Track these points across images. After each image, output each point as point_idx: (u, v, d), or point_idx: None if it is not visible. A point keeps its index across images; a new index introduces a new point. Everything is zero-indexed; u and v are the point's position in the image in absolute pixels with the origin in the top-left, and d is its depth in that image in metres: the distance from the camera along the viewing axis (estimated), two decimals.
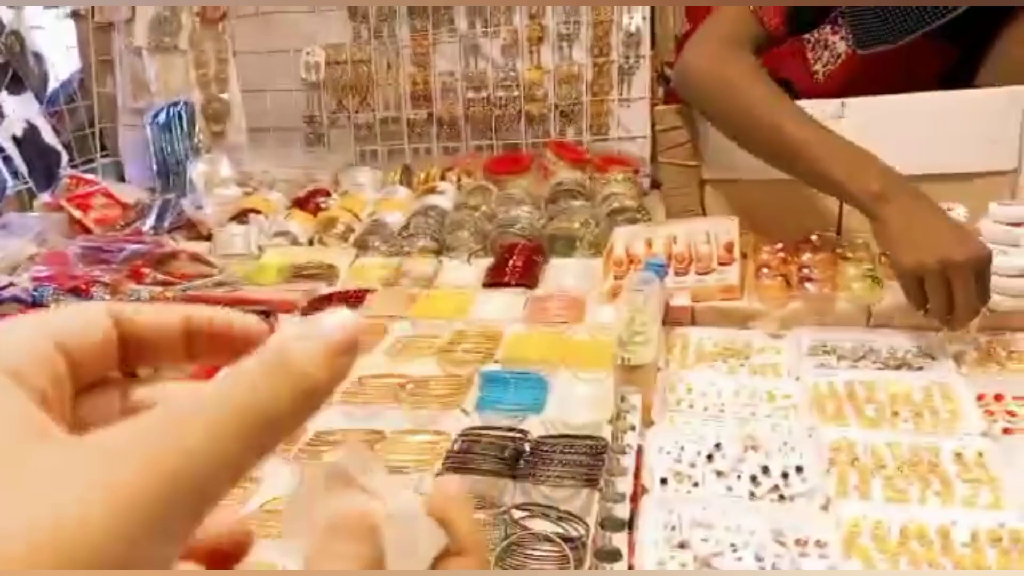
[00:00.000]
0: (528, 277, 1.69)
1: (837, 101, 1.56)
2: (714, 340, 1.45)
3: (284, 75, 2.41)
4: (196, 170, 2.24)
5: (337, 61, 2.35)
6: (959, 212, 1.44)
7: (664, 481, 1.10)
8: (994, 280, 1.35)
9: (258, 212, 2.09)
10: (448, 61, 2.29)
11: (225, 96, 2.47)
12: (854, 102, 1.55)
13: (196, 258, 1.88)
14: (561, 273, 1.73)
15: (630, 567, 0.91)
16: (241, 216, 2.07)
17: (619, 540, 0.87)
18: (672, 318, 1.50)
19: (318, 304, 1.66)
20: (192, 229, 2.09)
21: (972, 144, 1.51)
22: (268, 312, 1.63)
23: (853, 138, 1.55)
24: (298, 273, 1.82)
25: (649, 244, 1.62)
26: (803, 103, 1.57)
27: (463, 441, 1.16)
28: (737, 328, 1.47)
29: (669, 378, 1.34)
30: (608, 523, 0.87)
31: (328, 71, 2.36)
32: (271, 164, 2.36)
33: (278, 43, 2.40)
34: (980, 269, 1.22)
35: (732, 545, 0.96)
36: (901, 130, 1.53)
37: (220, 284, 1.80)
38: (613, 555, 0.83)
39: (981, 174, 1.52)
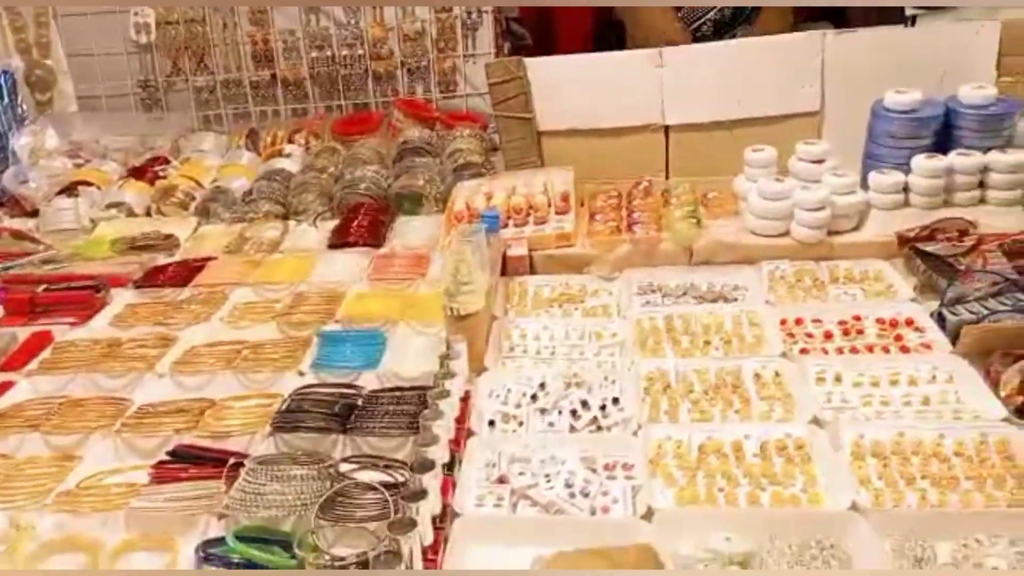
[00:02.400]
0: (374, 236, 1.69)
1: (656, 51, 1.62)
2: (551, 286, 1.50)
3: (112, 37, 2.27)
4: (19, 142, 2.08)
5: (168, 21, 2.23)
6: (770, 152, 1.53)
7: (492, 423, 1.14)
8: (797, 214, 1.46)
9: (90, 184, 1.98)
10: (288, 19, 2.22)
11: (49, 62, 2.30)
12: (671, 51, 1.62)
13: (19, 235, 1.77)
14: (407, 230, 1.74)
15: (445, 506, 0.95)
16: (71, 189, 1.95)
17: (431, 481, 0.90)
18: (512, 268, 1.54)
19: (153, 276, 1.60)
20: (16, 206, 1.95)
21: (780, 88, 1.61)
22: (98, 287, 1.57)
23: (671, 85, 1.63)
24: (133, 245, 1.74)
25: (489, 197, 1.64)
26: (626, 54, 1.64)
27: (292, 400, 1.16)
28: (574, 274, 1.53)
29: (505, 326, 1.38)
30: (417, 466, 0.90)
31: (160, 32, 2.24)
32: (106, 132, 2.23)
33: (103, 2, 2.25)
34: None
35: (546, 475, 1.01)
36: (716, 77, 1.61)
37: (47, 262, 1.71)
38: (418, 495, 0.86)
39: (789, 116, 1.62)
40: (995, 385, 1.09)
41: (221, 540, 0.93)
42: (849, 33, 1.58)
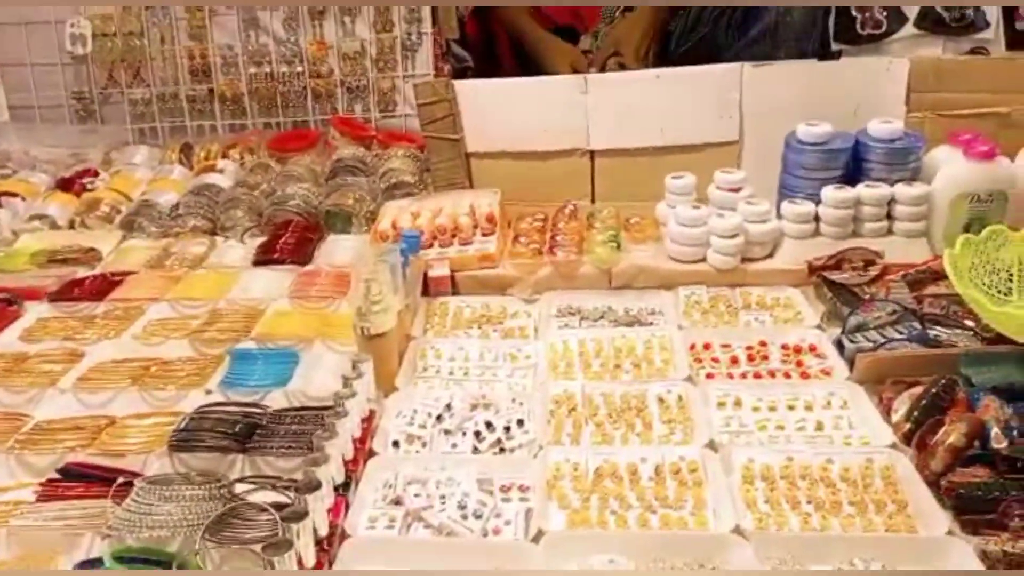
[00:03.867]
0: (300, 254, 1.68)
1: (581, 77, 1.65)
2: (472, 307, 1.51)
3: (47, 48, 2.24)
4: None
5: (105, 33, 2.21)
6: (689, 180, 1.56)
7: (396, 444, 1.14)
8: (713, 240, 1.49)
9: (15, 195, 1.94)
10: (227, 35, 2.21)
11: None
12: (596, 78, 1.65)
13: None
14: (335, 249, 1.73)
15: (335, 528, 0.94)
16: None
17: (317, 502, 0.90)
18: (434, 289, 1.55)
19: (68, 289, 1.57)
20: None
21: (702, 118, 1.64)
22: (11, 300, 1.54)
23: (596, 111, 1.66)
24: (53, 258, 1.71)
25: (416, 217, 1.65)
26: (552, 79, 1.67)
27: (192, 419, 1.14)
28: (497, 295, 1.54)
29: (421, 345, 1.38)
30: (303, 486, 0.89)
31: (96, 43, 2.21)
32: (37, 143, 2.19)
33: (40, 13, 2.22)
34: None
35: (441, 497, 1.01)
36: (640, 105, 1.64)
37: None
38: (298, 516, 0.86)
39: (710, 144, 1.65)
40: (887, 412, 1.13)
41: (101, 560, 0.91)
42: (767, 66, 1.63)
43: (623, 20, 1.93)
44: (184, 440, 1.10)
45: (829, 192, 1.49)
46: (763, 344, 1.31)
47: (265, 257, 1.67)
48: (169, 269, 1.66)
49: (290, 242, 1.70)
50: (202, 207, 1.85)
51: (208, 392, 1.25)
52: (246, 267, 1.66)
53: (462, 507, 0.99)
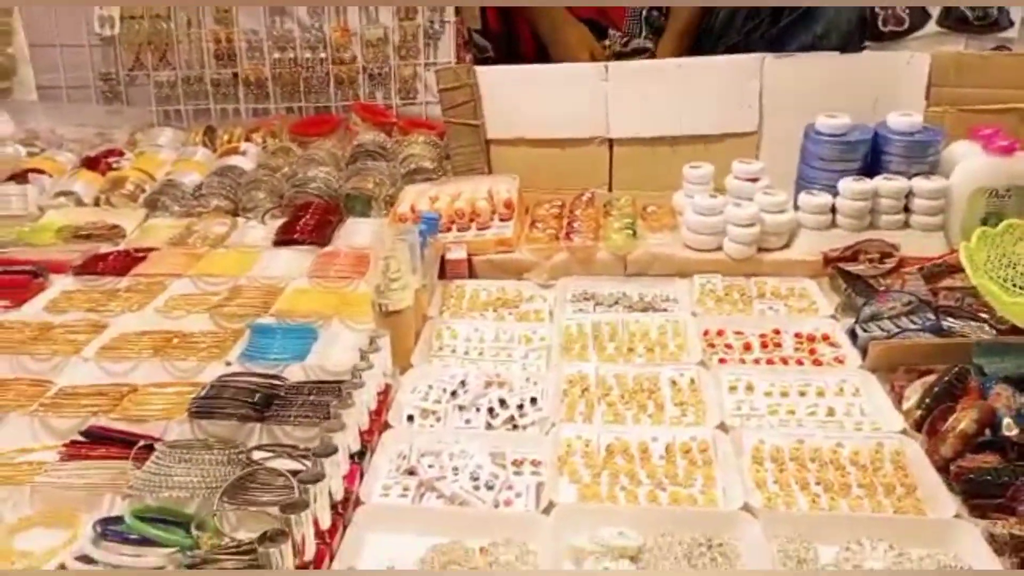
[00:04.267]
0: (319, 235, 1.70)
1: (602, 65, 1.66)
2: (488, 291, 1.52)
3: (76, 29, 2.28)
4: None
5: (132, 16, 2.25)
6: (707, 169, 1.57)
7: (411, 418, 1.16)
8: (729, 229, 1.50)
9: (42, 172, 1.98)
10: (252, 20, 2.24)
11: (11, 50, 2.30)
12: (616, 66, 1.66)
13: None
14: (354, 231, 1.75)
15: (349, 494, 0.96)
16: (21, 176, 1.95)
17: (333, 466, 0.91)
18: (450, 271, 1.56)
19: (93, 263, 1.60)
20: None
21: (721, 108, 1.65)
22: (36, 272, 1.57)
23: (616, 99, 1.67)
24: (78, 233, 1.75)
25: (434, 201, 1.67)
26: (573, 66, 1.68)
27: (212, 388, 1.16)
28: (513, 279, 1.56)
29: (437, 326, 1.40)
30: (320, 449, 0.91)
31: (124, 25, 2.25)
32: (65, 123, 2.23)
33: None
34: None
35: (454, 468, 1.03)
36: (660, 94, 1.65)
37: None
38: (315, 477, 0.87)
39: (729, 135, 1.66)
40: (898, 399, 1.13)
41: (121, 519, 0.94)
42: (788, 57, 1.63)
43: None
44: (204, 407, 1.12)
45: (847, 184, 1.49)
46: (776, 332, 1.32)
47: (285, 237, 1.69)
48: (191, 247, 1.69)
49: (310, 223, 1.72)
50: (225, 188, 1.88)
51: (228, 364, 1.28)
52: (267, 247, 1.69)
53: (474, 478, 1.01)
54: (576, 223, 1.60)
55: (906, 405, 1.11)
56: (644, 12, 1.88)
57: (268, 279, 1.54)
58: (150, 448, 1.06)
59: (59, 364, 1.28)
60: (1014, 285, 1.28)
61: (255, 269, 1.59)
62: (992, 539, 0.87)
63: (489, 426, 1.14)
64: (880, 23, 2.06)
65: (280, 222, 1.76)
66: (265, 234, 1.74)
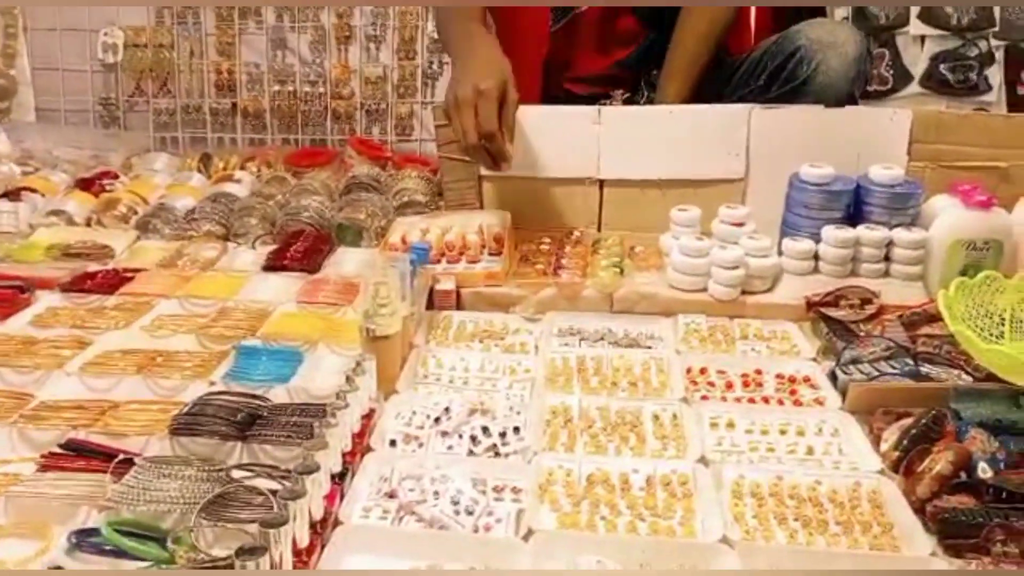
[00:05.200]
0: (309, 263, 1.71)
1: (594, 108, 1.71)
2: (475, 322, 1.54)
3: (80, 55, 2.32)
4: None
5: (136, 44, 2.29)
6: (694, 212, 1.61)
7: (393, 443, 1.16)
8: (714, 271, 1.52)
9: (35, 191, 1.99)
10: (254, 52, 2.29)
11: (13, 72, 2.34)
12: (609, 110, 1.70)
13: None
14: (344, 260, 1.77)
15: (328, 514, 0.95)
16: (14, 194, 1.96)
17: (313, 486, 0.91)
18: (439, 302, 1.58)
19: (80, 281, 1.61)
20: None
21: (709, 154, 1.69)
22: (23, 288, 1.57)
23: (608, 142, 1.71)
24: (68, 252, 1.75)
25: (425, 232, 1.69)
26: (566, 108, 1.73)
27: (195, 405, 1.16)
28: (500, 312, 1.57)
29: (423, 354, 1.40)
30: (301, 467, 0.91)
31: (127, 53, 2.30)
32: (61, 144, 2.25)
33: (75, 21, 2.31)
34: (507, 106, 1.45)
35: (435, 493, 1.03)
36: (650, 138, 1.70)
37: None
38: (295, 494, 0.87)
39: (716, 181, 1.70)
40: (876, 441, 1.14)
41: (96, 531, 0.93)
42: (775, 109, 1.68)
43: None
44: (185, 425, 1.12)
45: (830, 231, 1.53)
46: (758, 372, 1.34)
47: (275, 263, 1.71)
48: (181, 269, 1.70)
49: (300, 250, 1.74)
50: (217, 213, 1.90)
51: (212, 383, 1.27)
52: (256, 271, 1.70)
53: (455, 503, 1.00)
54: (564, 260, 1.63)
55: (884, 447, 1.12)
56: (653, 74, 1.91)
57: (256, 303, 1.55)
58: (129, 462, 1.05)
59: (41, 378, 1.28)
60: (990, 334, 1.31)
61: (243, 293, 1.59)
62: None
63: (471, 453, 1.14)
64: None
65: (271, 248, 1.78)
66: (255, 259, 1.75)
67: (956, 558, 0.91)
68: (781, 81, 1.73)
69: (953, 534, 0.94)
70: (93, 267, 1.70)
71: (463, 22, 1.69)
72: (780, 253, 1.57)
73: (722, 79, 1.83)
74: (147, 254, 1.78)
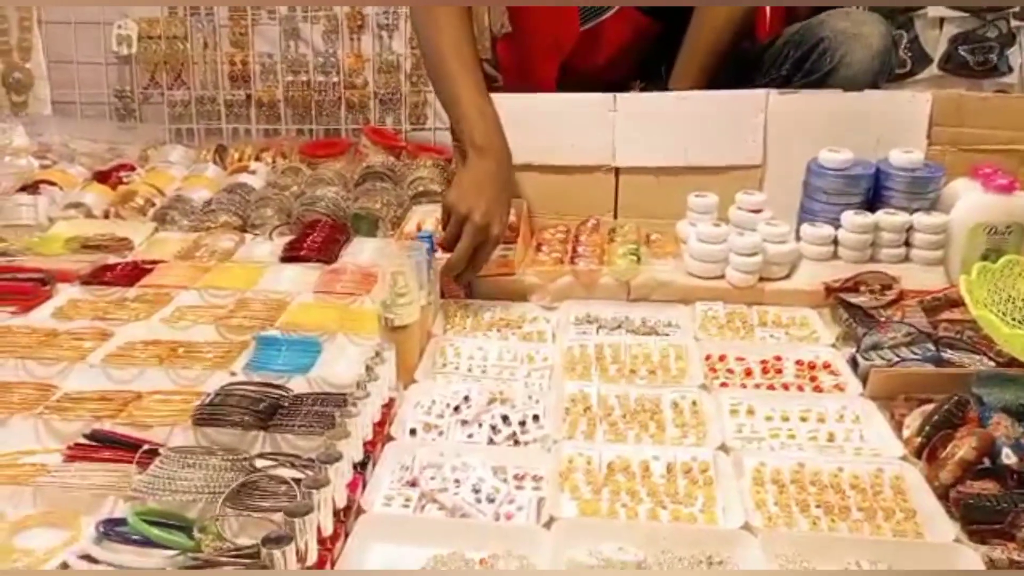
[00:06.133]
0: (326, 253, 1.72)
1: (610, 96, 1.70)
2: (492, 311, 1.54)
3: (94, 47, 2.33)
4: None
5: (151, 36, 2.29)
6: (711, 199, 1.60)
7: (413, 432, 1.17)
8: (732, 258, 1.52)
9: (53, 184, 2.00)
10: (267, 43, 2.28)
11: (29, 66, 2.35)
12: (624, 97, 1.69)
13: None
14: (361, 250, 1.77)
15: (352, 502, 0.96)
16: (33, 187, 1.97)
17: (336, 474, 0.92)
18: (453, 291, 1.58)
19: (100, 273, 1.62)
20: None
21: (726, 140, 1.68)
22: (44, 280, 1.58)
23: (623, 129, 1.70)
24: (87, 244, 1.76)
25: (438, 222, 1.69)
26: (581, 96, 1.71)
27: (217, 395, 1.17)
28: (516, 301, 1.57)
29: (440, 343, 1.41)
30: (323, 456, 0.92)
31: (141, 45, 2.30)
32: (77, 137, 2.27)
33: (89, 14, 2.31)
34: (483, 241, 1.43)
35: (456, 481, 1.03)
36: (666, 125, 1.68)
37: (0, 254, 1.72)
38: (319, 483, 0.88)
39: (734, 167, 1.69)
40: (898, 427, 1.14)
41: (123, 520, 0.94)
42: (792, 94, 1.67)
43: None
44: (208, 415, 1.13)
45: (849, 217, 1.52)
46: (778, 359, 1.33)
47: (292, 254, 1.71)
48: (199, 260, 1.71)
49: (317, 241, 1.74)
50: (234, 204, 1.91)
51: (233, 374, 1.28)
52: (273, 262, 1.71)
53: (476, 491, 1.01)
54: (581, 248, 1.62)
55: (906, 433, 1.12)
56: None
57: (274, 293, 1.55)
58: (154, 453, 1.06)
59: (64, 369, 1.29)
60: (1013, 319, 1.30)
61: (261, 283, 1.60)
62: (991, 563, 0.87)
63: (491, 441, 1.14)
64: None
65: (287, 239, 1.79)
66: (272, 250, 1.76)
67: (980, 544, 0.91)
68: (804, 72, 1.71)
69: (977, 520, 0.94)
70: (112, 259, 1.71)
71: (466, 86, 1.59)
72: (798, 239, 1.56)
73: (743, 68, 1.81)
74: (165, 246, 1.79)
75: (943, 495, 0.99)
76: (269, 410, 1.15)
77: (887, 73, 1.72)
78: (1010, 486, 0.98)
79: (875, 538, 0.94)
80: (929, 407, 1.12)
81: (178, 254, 1.74)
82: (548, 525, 0.96)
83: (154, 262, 1.68)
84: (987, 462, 1.02)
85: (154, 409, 1.19)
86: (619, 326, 1.47)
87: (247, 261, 1.71)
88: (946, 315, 1.38)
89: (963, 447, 1.01)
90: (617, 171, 1.74)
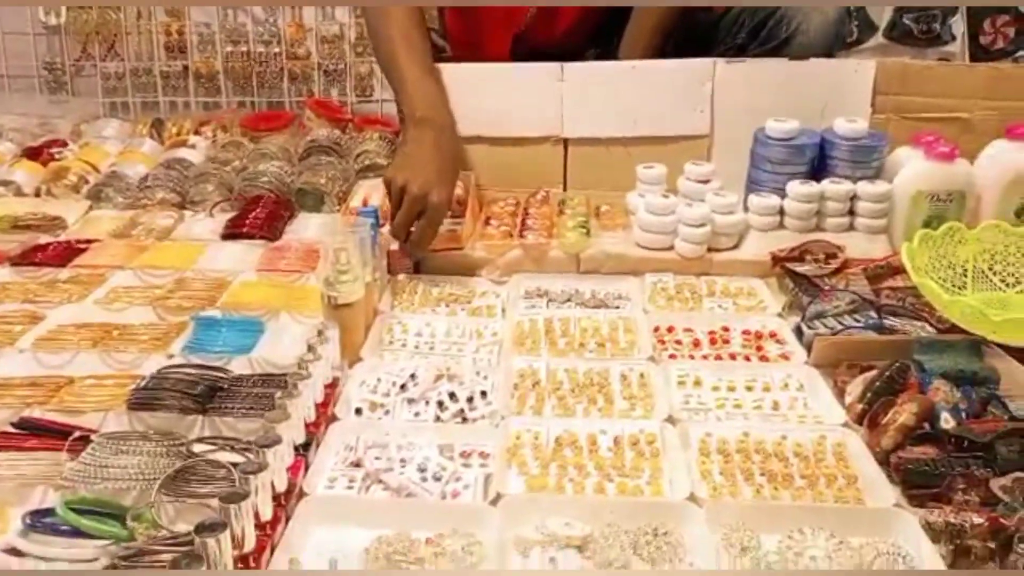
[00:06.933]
0: (269, 230, 1.67)
1: (557, 65, 1.67)
2: (441, 287, 1.51)
3: (20, 18, 2.21)
4: None
5: (81, 5, 2.19)
6: (660, 170, 1.59)
7: (359, 411, 1.14)
8: (680, 229, 1.51)
9: None
10: (204, 13, 2.20)
11: None
12: (572, 67, 1.67)
13: None
14: (305, 227, 1.73)
15: (291, 483, 0.94)
16: None
17: (275, 458, 0.89)
18: (396, 266, 1.54)
19: (31, 254, 1.55)
20: None
21: (674, 111, 1.67)
22: None
23: (571, 100, 1.68)
24: (17, 224, 1.69)
25: (385, 195, 1.65)
26: (529, 66, 1.68)
27: (153, 379, 1.13)
28: (465, 276, 1.55)
29: (387, 320, 1.38)
30: (261, 440, 0.89)
31: (71, 15, 2.19)
32: (5, 112, 2.16)
33: None
34: (422, 212, 1.41)
35: (401, 460, 1.02)
36: (614, 95, 1.67)
37: None
38: (256, 468, 0.85)
39: (682, 137, 1.68)
40: (841, 394, 1.15)
41: (52, 510, 0.90)
42: (739, 63, 1.66)
43: None
44: (143, 399, 1.09)
45: (794, 187, 1.52)
46: (725, 329, 1.34)
47: (234, 231, 1.66)
48: (135, 239, 1.65)
49: (260, 217, 1.70)
50: (172, 180, 1.84)
51: (170, 356, 1.24)
52: (214, 240, 1.65)
53: (422, 470, 0.99)
54: (530, 221, 1.60)
55: (848, 399, 1.13)
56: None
57: (215, 272, 1.51)
58: (86, 440, 1.02)
59: None
60: (953, 285, 1.32)
61: (201, 262, 1.55)
62: (928, 527, 0.89)
63: (438, 419, 1.13)
64: None
65: (228, 216, 1.73)
66: (213, 227, 1.71)
67: (919, 508, 0.93)
68: (760, 40, 1.71)
69: (916, 484, 0.95)
70: (44, 239, 1.64)
71: (410, 66, 1.59)
72: (746, 209, 1.56)
73: (698, 37, 1.80)
74: (100, 224, 1.73)
75: (884, 460, 1.00)
76: (207, 393, 1.12)
77: (843, 41, 1.73)
78: (948, 450, 1.00)
79: (816, 504, 0.95)
80: (871, 374, 1.14)
81: (113, 233, 1.68)
82: (495, 502, 0.95)
83: (88, 241, 1.62)
84: (927, 427, 1.03)
85: (87, 394, 1.14)
86: (569, 299, 1.46)
87: (186, 239, 1.66)
88: (889, 283, 1.39)
89: (903, 413, 1.03)
90: (566, 142, 1.72)
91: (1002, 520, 0.87)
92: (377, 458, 1.02)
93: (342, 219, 1.58)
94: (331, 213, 1.78)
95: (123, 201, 1.81)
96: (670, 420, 1.10)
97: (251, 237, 1.65)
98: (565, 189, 1.74)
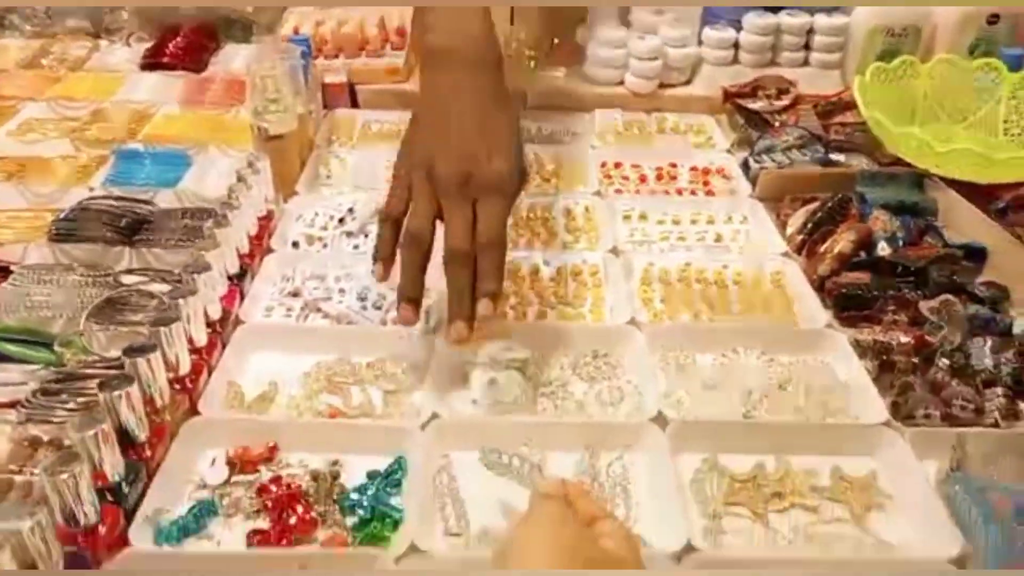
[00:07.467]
0: (193, 60, 1.55)
1: None
2: (380, 122, 1.44)
3: None
4: None
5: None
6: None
7: (296, 244, 1.11)
8: (631, 63, 1.45)
9: None
10: None
11: None
12: None
13: None
14: (232, 57, 1.61)
15: (225, 310, 0.91)
16: None
17: (207, 285, 0.86)
18: (331, 99, 1.46)
19: None
20: None
21: None
22: None
23: None
24: None
25: (319, 25, 1.54)
26: None
27: (74, 211, 1.07)
28: (405, 111, 1.47)
29: (323, 154, 1.32)
30: (192, 265, 0.86)
31: None
32: None
33: None
34: (492, 197, 0.82)
35: (341, 290, 1.00)
36: None
37: None
38: (186, 292, 0.82)
39: None
40: (783, 226, 1.16)
41: None
42: None
43: None
44: (66, 231, 1.04)
45: (750, 18, 1.46)
46: (673, 165, 1.32)
47: (154, 61, 1.54)
48: (47, 70, 1.53)
49: (181, 47, 1.57)
50: (84, 7, 1.68)
51: (91, 189, 1.17)
52: (133, 70, 1.53)
53: (362, 299, 0.98)
54: None
55: (789, 230, 1.14)
56: None
57: (135, 103, 1.41)
58: (6, 271, 0.97)
59: None
60: (903, 120, 1.31)
61: (120, 94, 1.44)
62: (857, 344, 0.91)
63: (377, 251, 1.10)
64: None
65: (146, 45, 1.60)
66: (131, 57, 1.58)
67: (850, 327, 0.95)
68: None
69: (848, 307, 0.97)
70: None
71: None
72: (700, 43, 1.50)
73: None
74: (6, 54, 1.58)
75: (820, 287, 1.02)
76: (133, 225, 1.07)
77: None
78: (882, 276, 1.01)
79: (750, 326, 0.97)
80: (813, 205, 1.14)
81: (21, 63, 1.54)
82: (436, 329, 0.94)
83: None
84: (864, 255, 1.05)
85: (5, 227, 1.08)
86: None
87: (102, 70, 1.54)
88: (839, 118, 1.38)
89: (841, 241, 1.04)
90: None
91: (927, 337, 0.90)
92: (316, 288, 1.00)
93: (270, 47, 1.47)
94: (260, 44, 1.65)
95: (31, 29, 1.65)
96: (613, 251, 1.09)
97: (172, 68, 1.53)
98: (512, 23, 1.64)
